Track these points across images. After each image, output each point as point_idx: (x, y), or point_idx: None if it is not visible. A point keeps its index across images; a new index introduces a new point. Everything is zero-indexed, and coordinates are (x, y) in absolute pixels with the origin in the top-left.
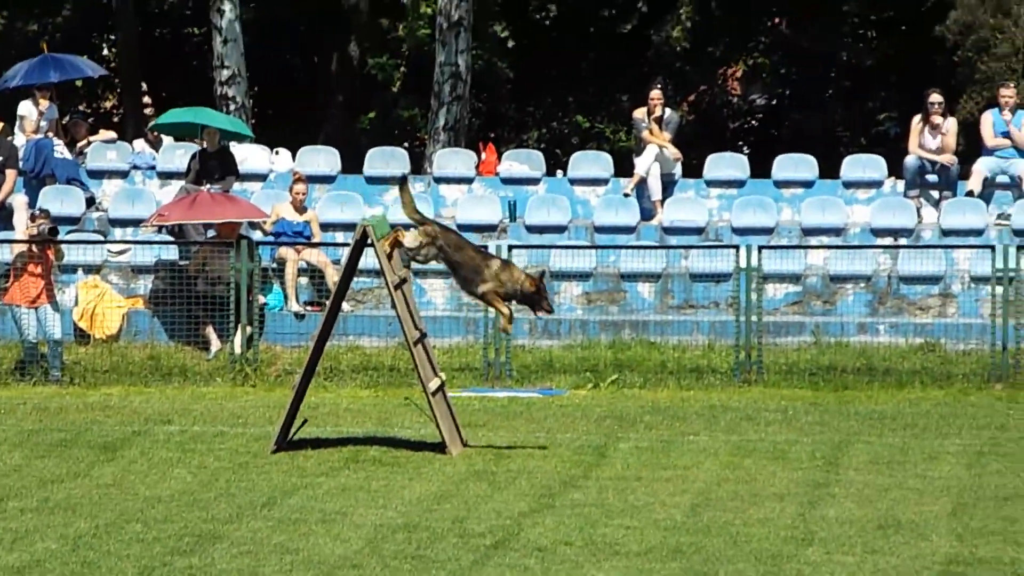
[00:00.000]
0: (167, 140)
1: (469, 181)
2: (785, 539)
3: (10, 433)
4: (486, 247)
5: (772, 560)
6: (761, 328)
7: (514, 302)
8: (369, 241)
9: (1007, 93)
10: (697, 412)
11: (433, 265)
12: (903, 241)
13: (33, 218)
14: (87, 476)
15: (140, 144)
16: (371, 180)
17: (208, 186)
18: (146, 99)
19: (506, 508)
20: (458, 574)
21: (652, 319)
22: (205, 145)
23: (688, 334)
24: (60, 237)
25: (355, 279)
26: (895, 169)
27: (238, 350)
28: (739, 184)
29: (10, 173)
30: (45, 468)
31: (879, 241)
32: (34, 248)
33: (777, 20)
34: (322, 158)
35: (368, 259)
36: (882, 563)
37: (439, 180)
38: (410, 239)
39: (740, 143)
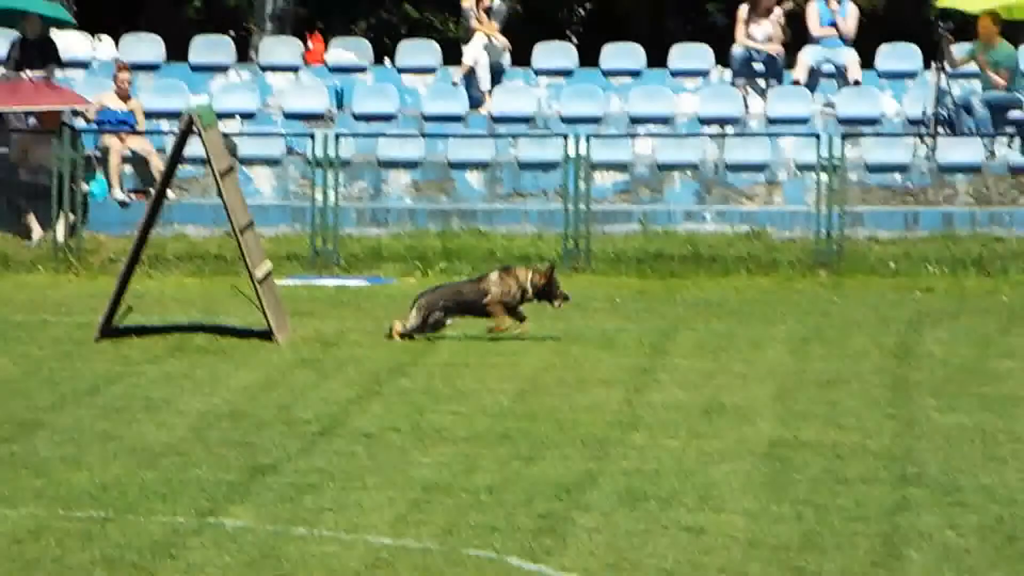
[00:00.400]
0: None
1: (295, 70)
2: (611, 424)
3: None
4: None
5: (598, 444)
6: (589, 217)
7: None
8: (195, 129)
9: None
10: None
11: (260, 152)
12: (730, 130)
13: None
14: None
15: None
16: (196, 68)
17: (29, 74)
18: None
19: (333, 395)
20: (284, 461)
21: (481, 208)
22: (26, 32)
23: (517, 223)
24: None
25: (180, 167)
26: (722, 58)
27: (61, 238)
28: (567, 73)
29: None
30: None
31: (706, 130)
32: None
33: None
34: (145, 45)
35: (193, 147)
36: (706, 446)
37: (265, 68)
38: (412, 319)
39: (568, 32)
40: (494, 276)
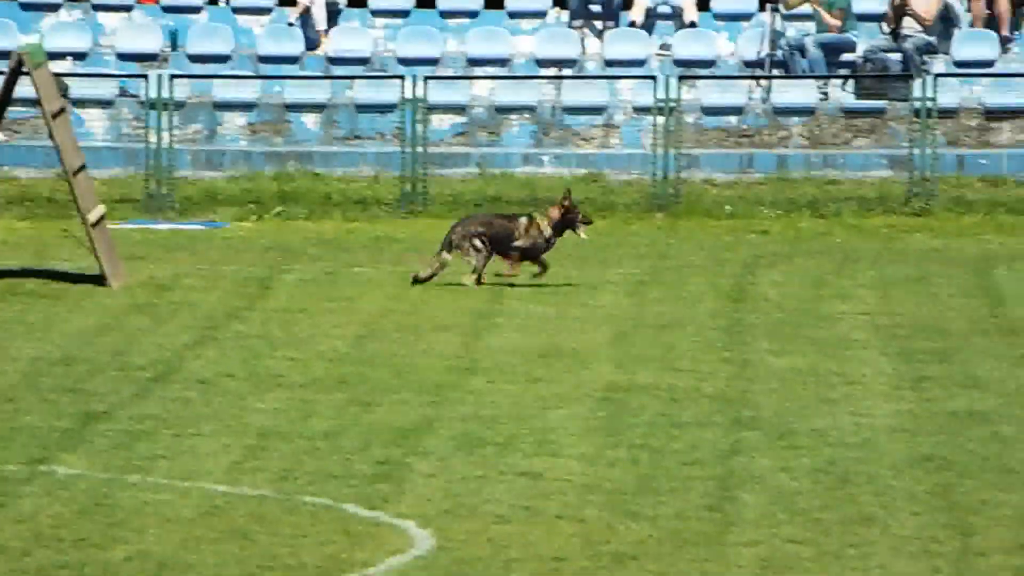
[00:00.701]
0: None
1: (128, 9)
2: (449, 368)
3: None
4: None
5: (436, 389)
6: (427, 159)
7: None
8: (24, 69)
9: None
10: (362, 244)
11: (92, 93)
12: (567, 72)
13: None
14: None
15: None
16: (26, 7)
17: None
18: None
19: (168, 341)
20: (118, 407)
21: (317, 150)
22: None
23: (354, 165)
24: None
25: (10, 108)
26: None
27: None
28: (404, 14)
29: None
30: None
31: (543, 72)
32: None
33: None
34: None
35: (24, 88)
36: (544, 391)
37: (97, 8)
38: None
39: None
40: (524, 223)
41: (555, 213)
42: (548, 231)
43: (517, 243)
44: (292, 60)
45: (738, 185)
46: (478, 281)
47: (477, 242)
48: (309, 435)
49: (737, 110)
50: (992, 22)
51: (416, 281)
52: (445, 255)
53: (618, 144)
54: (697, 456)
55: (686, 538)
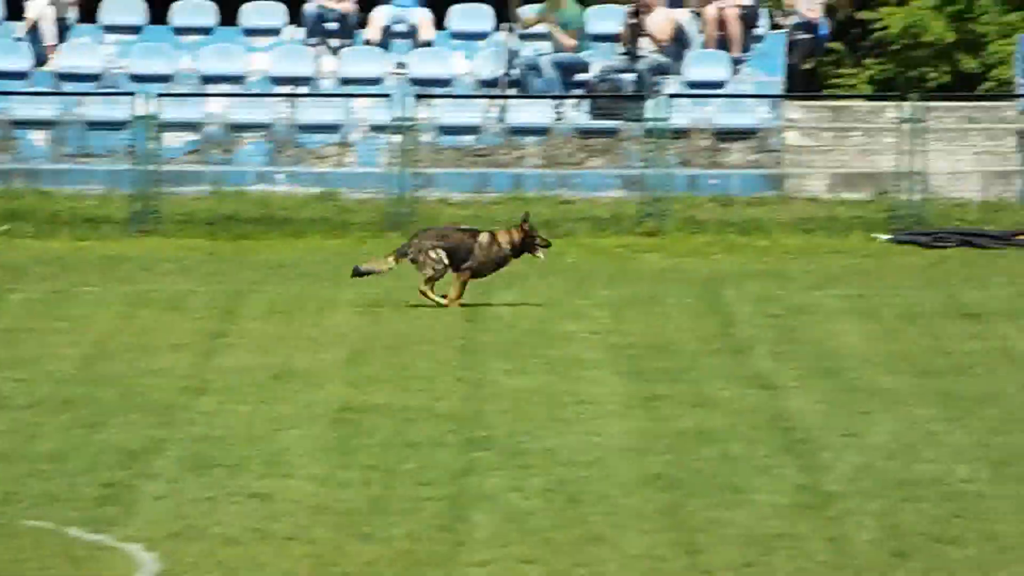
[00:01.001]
0: None
1: None
2: (180, 389)
3: None
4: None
5: (165, 410)
6: (159, 177)
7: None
8: None
9: None
10: (92, 262)
11: None
12: (302, 89)
13: None
14: None
15: None
16: None
17: None
18: None
19: None
20: None
21: (45, 167)
22: None
23: (84, 183)
24: None
25: None
26: (295, 17)
27: None
28: (136, 30)
29: None
30: None
31: (278, 89)
32: None
33: None
34: None
35: None
36: (276, 411)
37: None
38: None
39: None
40: (485, 239)
41: (516, 235)
42: (507, 250)
43: (472, 260)
44: (20, 76)
45: (474, 204)
46: (432, 289)
47: (433, 254)
48: (33, 456)
49: (473, 129)
50: (724, 43)
51: (357, 274)
52: (392, 260)
53: (353, 163)
54: (430, 476)
55: (418, 558)
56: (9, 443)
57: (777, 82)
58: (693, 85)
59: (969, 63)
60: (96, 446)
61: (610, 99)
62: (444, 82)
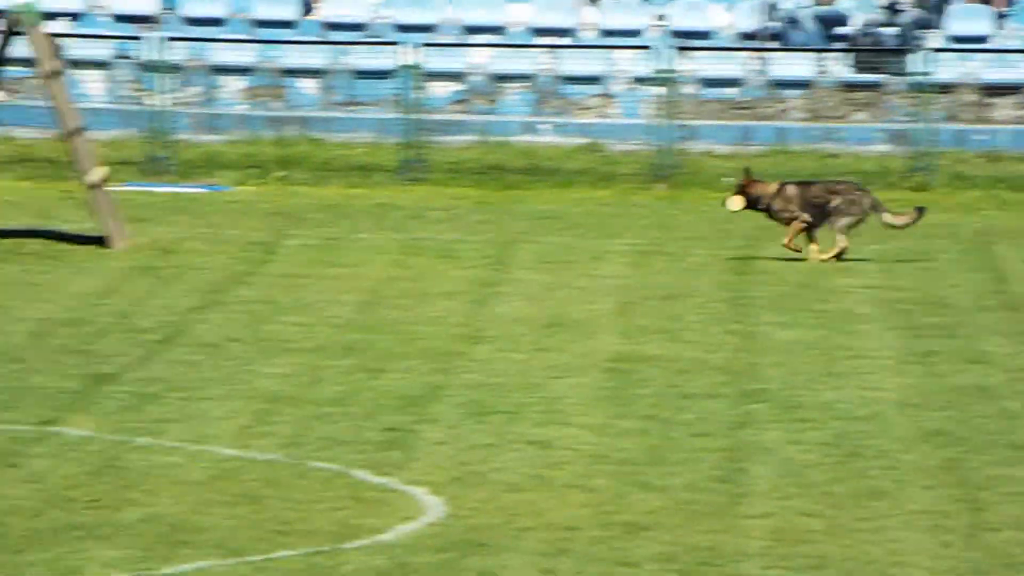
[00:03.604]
0: None
1: None
2: (455, 337)
3: None
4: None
5: (442, 357)
6: (425, 126)
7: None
8: (19, 29)
9: None
10: (364, 210)
11: (89, 55)
12: (564, 41)
13: None
14: None
15: None
16: None
17: None
18: None
19: (173, 303)
20: (126, 369)
21: (316, 115)
22: None
23: (353, 131)
24: None
25: (7, 68)
26: None
27: None
28: None
29: None
30: None
31: (540, 40)
32: None
33: None
34: None
35: (20, 47)
36: (550, 360)
37: None
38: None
39: None
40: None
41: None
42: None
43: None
44: (288, 24)
45: (738, 157)
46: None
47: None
48: (317, 400)
49: (735, 82)
50: None
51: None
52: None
53: (617, 114)
54: (707, 427)
55: (697, 509)
56: (294, 386)
57: None
58: (956, 40)
59: None
60: (376, 391)
61: (873, 53)
62: (704, 34)
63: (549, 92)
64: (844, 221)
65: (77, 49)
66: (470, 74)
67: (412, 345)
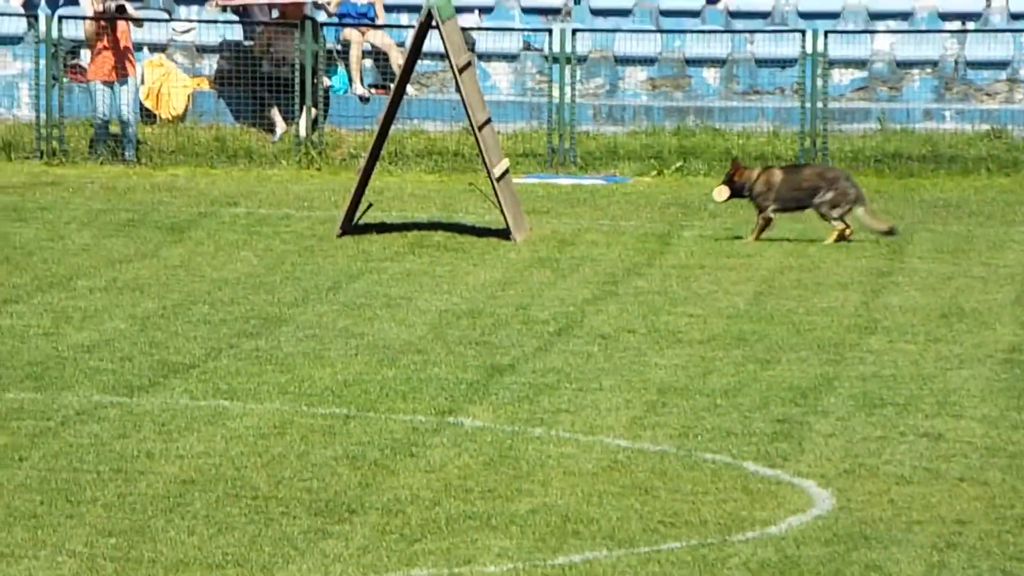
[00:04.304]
0: None
1: None
2: (848, 327)
3: (79, 212)
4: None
5: (834, 348)
6: (826, 114)
7: None
8: (433, 23)
9: None
10: None
11: (498, 48)
12: (971, 25)
13: None
14: (155, 256)
15: None
16: None
17: None
18: None
19: (569, 295)
20: (522, 360)
21: (717, 105)
22: None
23: (753, 120)
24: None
25: (419, 62)
26: None
27: (303, 132)
28: None
29: None
30: (114, 248)
31: (946, 25)
32: (102, 23)
33: None
34: None
35: (432, 42)
36: (945, 351)
37: None
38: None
39: None
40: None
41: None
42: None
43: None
44: (693, 14)
45: None
46: None
47: None
48: (708, 391)
49: None
50: None
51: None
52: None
53: (1023, 99)
54: None
55: None
56: (685, 377)
57: None
58: None
59: None
60: (767, 382)
61: None
62: None
63: (952, 78)
64: (837, 212)
65: (486, 42)
66: (873, 61)
67: (804, 336)
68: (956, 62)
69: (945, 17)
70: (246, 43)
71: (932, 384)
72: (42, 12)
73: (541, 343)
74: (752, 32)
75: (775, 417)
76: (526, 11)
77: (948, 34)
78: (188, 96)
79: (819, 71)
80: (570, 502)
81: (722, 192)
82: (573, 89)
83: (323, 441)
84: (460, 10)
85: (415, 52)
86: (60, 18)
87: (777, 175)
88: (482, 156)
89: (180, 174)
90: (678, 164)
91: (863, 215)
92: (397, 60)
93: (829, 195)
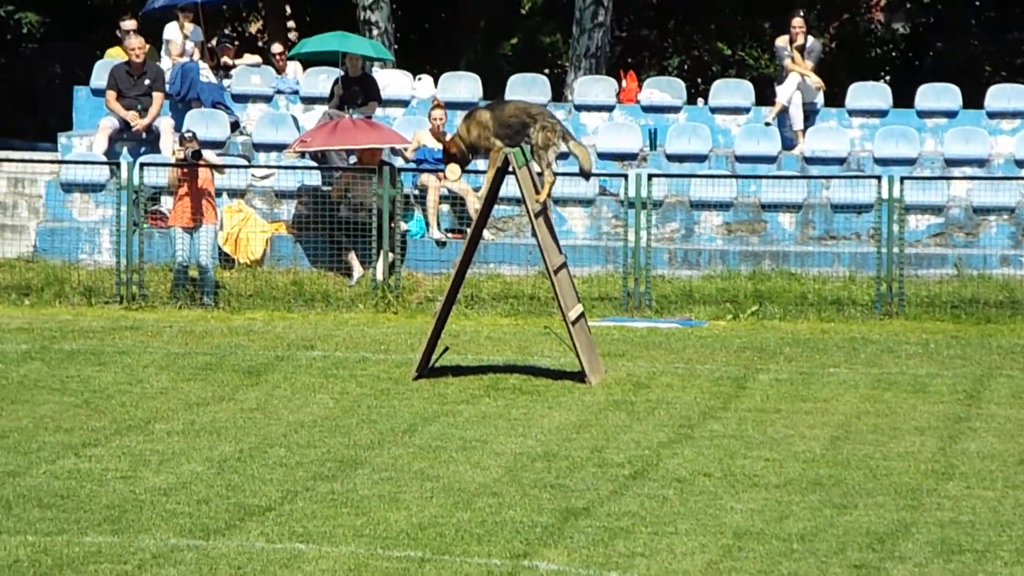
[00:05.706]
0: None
1: (610, 109)
2: (925, 473)
3: (157, 356)
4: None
5: (912, 494)
6: (903, 260)
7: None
8: (510, 168)
9: None
10: (837, 344)
11: (574, 193)
12: None
13: (182, 141)
14: (232, 400)
15: (292, 67)
16: None
17: (350, 112)
18: (290, 23)
19: (645, 438)
20: (597, 504)
21: (792, 250)
22: (348, 70)
23: (829, 265)
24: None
25: (496, 207)
26: None
27: (380, 276)
28: (881, 114)
29: (157, 96)
30: (191, 391)
31: (1022, 172)
32: (185, 170)
33: None
34: (464, 84)
35: (509, 187)
36: (1023, 498)
37: (580, 108)
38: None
39: (882, 72)
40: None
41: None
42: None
43: None
44: (769, 160)
45: None
46: None
47: None
48: (784, 536)
49: None
50: None
51: None
52: None
53: None
54: None
55: None
56: (761, 522)
57: None
58: None
59: None
60: (844, 527)
61: None
62: None
63: None
64: (550, 155)
65: (563, 187)
66: (949, 207)
67: (881, 481)
68: None
69: (1021, 164)
70: (324, 188)
71: (1011, 531)
72: (123, 160)
73: (616, 486)
74: (828, 178)
75: (852, 563)
76: (602, 156)
77: None
78: (266, 241)
79: (895, 216)
80: None
81: (453, 171)
82: (649, 233)
83: None
84: None
85: (492, 197)
86: (141, 165)
87: (485, 115)
88: (557, 300)
89: (258, 318)
90: (753, 308)
91: (573, 148)
92: (474, 205)
93: (539, 135)
